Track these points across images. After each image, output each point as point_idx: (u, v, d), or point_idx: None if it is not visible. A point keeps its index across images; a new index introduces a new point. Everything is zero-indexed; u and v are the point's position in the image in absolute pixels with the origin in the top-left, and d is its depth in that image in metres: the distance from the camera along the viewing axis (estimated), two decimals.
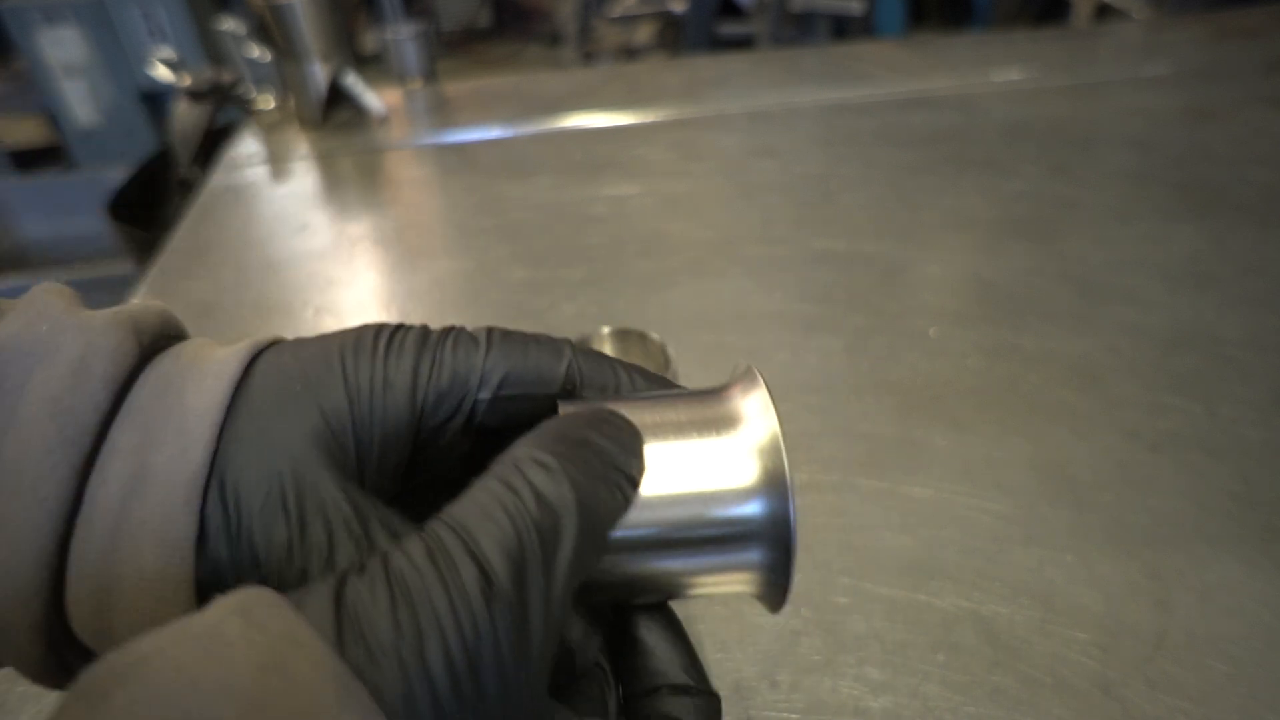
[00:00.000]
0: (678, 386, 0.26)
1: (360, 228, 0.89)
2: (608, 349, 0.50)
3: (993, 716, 0.37)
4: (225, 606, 0.15)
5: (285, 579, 0.20)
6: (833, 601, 0.43)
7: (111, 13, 2.41)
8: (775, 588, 0.24)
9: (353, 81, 1.14)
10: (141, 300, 0.25)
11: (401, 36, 1.28)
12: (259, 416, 0.22)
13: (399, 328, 0.25)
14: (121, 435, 0.21)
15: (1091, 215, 0.80)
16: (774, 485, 0.22)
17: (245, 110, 1.24)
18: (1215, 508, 0.47)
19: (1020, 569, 0.44)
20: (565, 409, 0.23)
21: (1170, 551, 0.44)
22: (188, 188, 1.20)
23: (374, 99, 1.15)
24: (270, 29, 1.08)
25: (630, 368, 0.26)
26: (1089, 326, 0.63)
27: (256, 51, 1.27)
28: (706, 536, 0.22)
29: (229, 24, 1.28)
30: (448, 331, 0.25)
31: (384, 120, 1.16)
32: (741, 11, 2.80)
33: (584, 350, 0.25)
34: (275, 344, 0.24)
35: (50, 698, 0.40)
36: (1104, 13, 2.35)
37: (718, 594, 0.25)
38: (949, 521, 0.47)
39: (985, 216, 0.81)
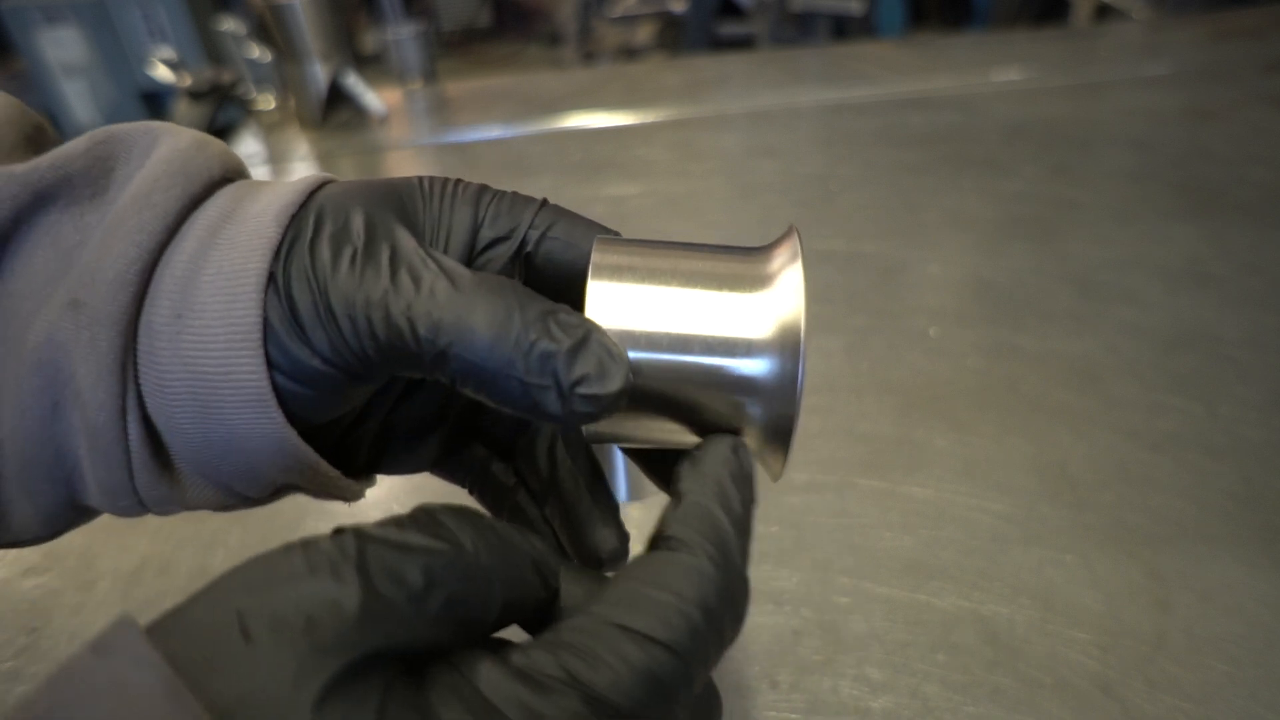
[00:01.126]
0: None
1: None
2: None
3: (993, 716, 0.37)
4: (89, 644, 0.17)
5: (338, 285, 0.22)
6: (833, 601, 0.43)
7: (111, 13, 2.41)
8: (777, 445, 0.24)
9: (353, 81, 1.14)
10: None
11: (401, 36, 1.28)
12: (337, 194, 0.25)
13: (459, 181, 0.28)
14: (225, 193, 0.25)
15: (1091, 215, 0.80)
16: (787, 343, 0.23)
17: (245, 110, 1.24)
18: (1215, 508, 0.47)
19: (1020, 569, 0.44)
20: (603, 249, 0.24)
21: (1170, 551, 0.44)
22: None
23: (374, 99, 1.15)
24: (270, 29, 1.08)
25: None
26: (1089, 326, 0.63)
27: (256, 51, 1.27)
28: (716, 379, 0.23)
29: (229, 24, 1.28)
30: (509, 194, 0.27)
31: (384, 120, 1.16)
32: (741, 11, 2.80)
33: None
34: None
35: None
36: (1104, 13, 2.36)
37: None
38: (949, 521, 0.47)
39: (985, 216, 0.81)
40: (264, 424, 0.23)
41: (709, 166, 0.97)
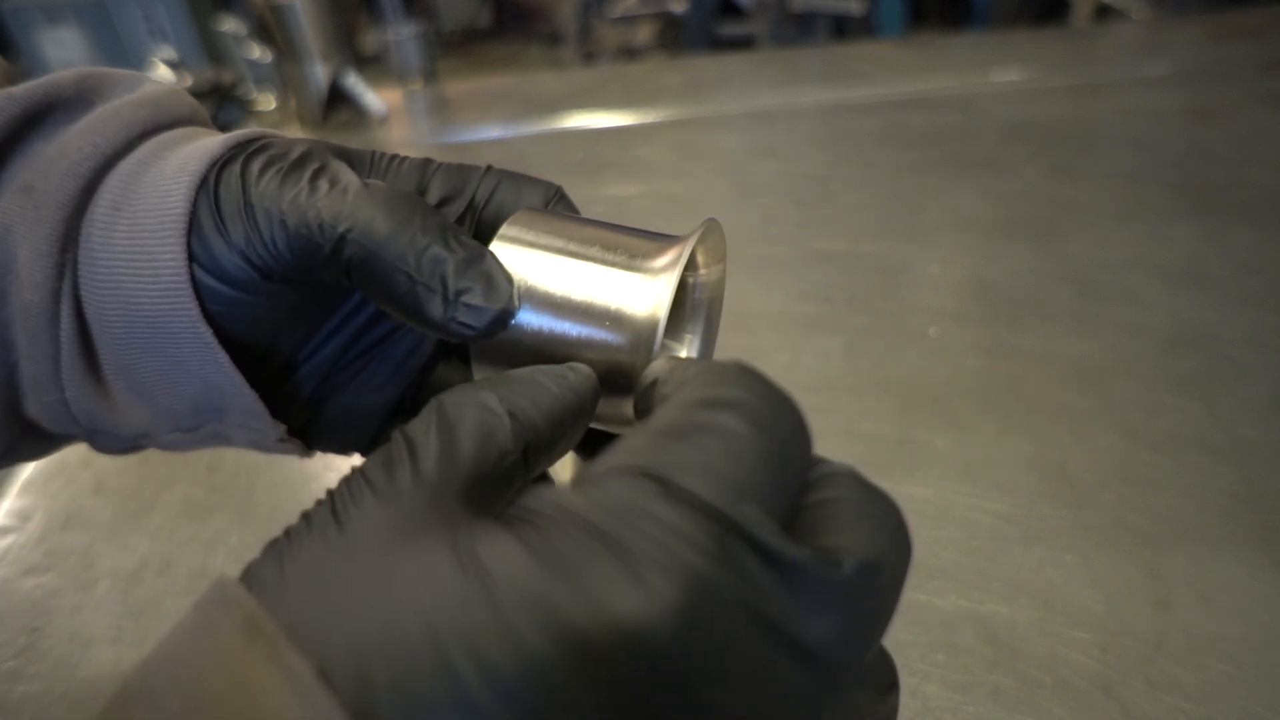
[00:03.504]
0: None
1: None
2: None
3: (993, 716, 0.37)
4: (200, 609, 0.16)
5: (261, 187, 0.24)
6: None
7: (112, 13, 2.41)
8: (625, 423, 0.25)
9: (353, 81, 1.14)
10: None
11: (401, 36, 1.28)
12: (278, 140, 0.26)
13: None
14: (183, 130, 0.27)
15: (1091, 215, 0.80)
16: (643, 328, 0.23)
17: (245, 110, 1.24)
18: (1215, 508, 0.47)
19: (1020, 569, 0.44)
20: (518, 218, 0.26)
21: (1170, 551, 0.44)
22: None
23: (374, 99, 1.15)
24: (270, 29, 1.08)
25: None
26: (1089, 326, 0.63)
27: (256, 51, 1.27)
28: (584, 344, 0.24)
29: (229, 24, 1.28)
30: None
31: (384, 120, 1.16)
32: (741, 11, 2.80)
33: (565, 198, 0.29)
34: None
35: (50, 697, 0.40)
36: (1104, 13, 2.36)
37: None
38: (949, 521, 0.47)
39: (985, 216, 0.81)
40: (180, 316, 0.24)
41: (709, 166, 0.97)
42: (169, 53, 1.31)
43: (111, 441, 0.28)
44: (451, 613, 0.15)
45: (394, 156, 0.28)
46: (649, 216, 0.84)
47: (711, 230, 0.26)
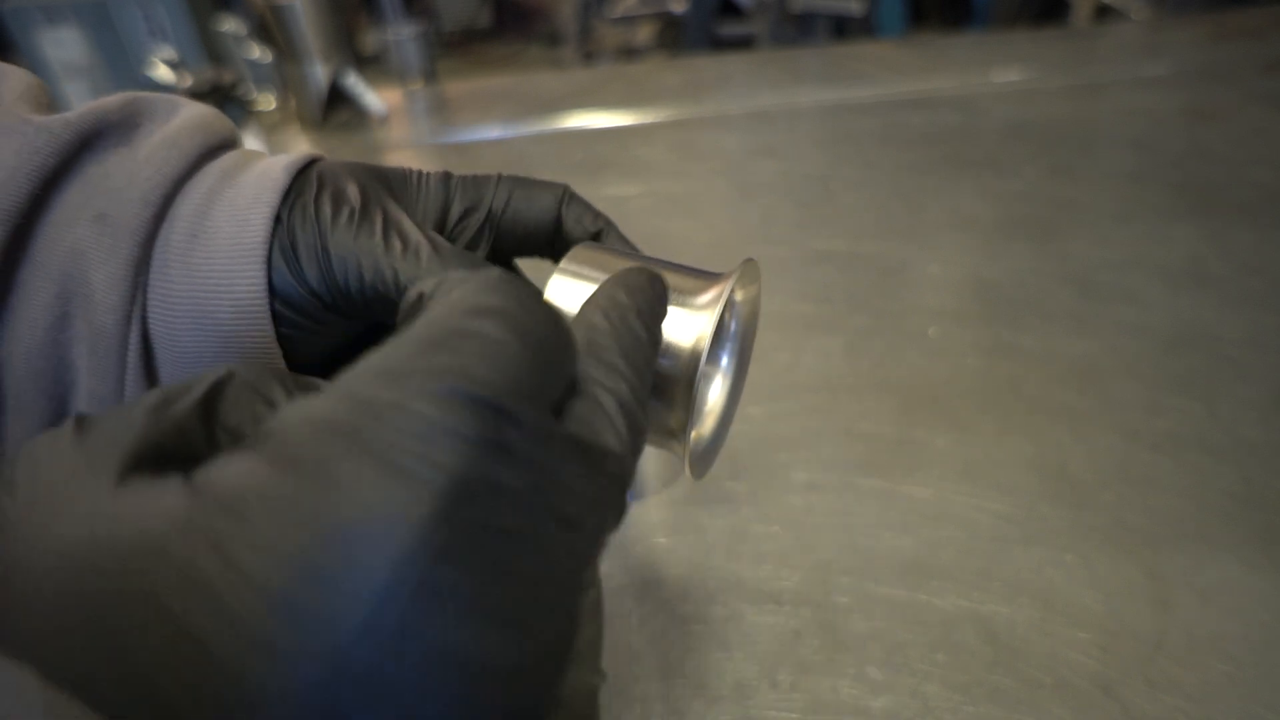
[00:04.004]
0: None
1: None
2: None
3: (993, 716, 0.37)
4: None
5: (337, 233, 0.27)
6: (833, 601, 0.43)
7: (112, 13, 2.41)
8: (674, 443, 0.28)
9: (353, 82, 1.14)
10: None
11: (401, 36, 1.28)
12: (339, 164, 0.30)
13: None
14: (232, 154, 0.29)
15: (1091, 215, 0.80)
16: (687, 361, 0.26)
17: (246, 110, 1.24)
18: (1215, 508, 0.47)
19: (1020, 569, 0.44)
20: (581, 251, 0.29)
21: (1170, 551, 0.44)
22: None
23: (374, 99, 1.15)
24: (270, 29, 1.08)
25: (608, 222, 0.34)
26: (1089, 326, 0.63)
27: (256, 51, 1.27)
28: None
29: (229, 24, 1.28)
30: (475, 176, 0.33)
31: (384, 120, 1.16)
32: (741, 11, 2.80)
33: (575, 197, 0.33)
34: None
35: None
36: (1104, 13, 2.35)
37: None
38: (949, 521, 0.47)
39: (985, 216, 0.81)
40: (255, 333, 0.26)
41: (709, 166, 0.97)
42: (169, 53, 1.31)
43: None
44: (182, 538, 0.13)
45: (420, 174, 0.32)
46: (649, 216, 0.84)
47: (749, 269, 0.29)
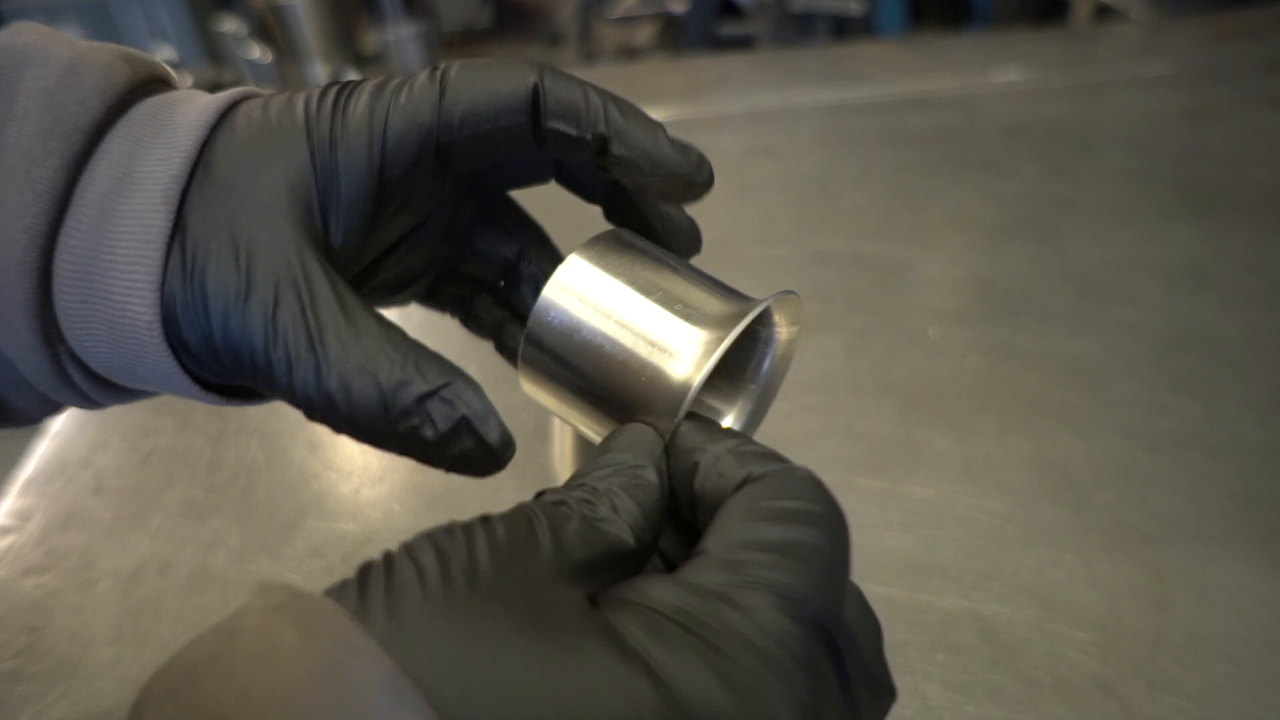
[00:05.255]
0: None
1: None
2: None
3: (993, 716, 0.37)
4: (276, 611, 0.15)
5: (229, 328, 0.22)
6: None
7: (112, 13, 2.41)
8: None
9: None
10: None
11: (402, 37, 1.28)
12: (231, 159, 0.23)
13: (360, 81, 0.25)
14: (113, 144, 0.23)
15: (1091, 215, 0.80)
16: (677, 388, 0.23)
17: None
18: (1215, 508, 0.47)
19: (1020, 569, 0.44)
20: (607, 235, 0.26)
21: (1170, 551, 0.44)
22: None
23: None
24: (270, 29, 1.09)
25: (604, 95, 0.25)
26: (1089, 326, 0.63)
27: (256, 51, 1.27)
28: (626, 381, 0.24)
29: (229, 24, 1.28)
30: (407, 78, 0.25)
31: None
32: (741, 11, 2.80)
33: (552, 71, 0.25)
34: (256, 96, 0.26)
35: (50, 697, 0.40)
36: (1104, 13, 2.36)
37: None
38: (949, 521, 0.47)
39: (985, 216, 0.81)
40: (155, 356, 0.23)
41: None
42: (169, 53, 1.31)
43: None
44: None
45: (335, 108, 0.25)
46: None
47: (789, 299, 0.26)
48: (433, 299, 0.32)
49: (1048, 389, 0.57)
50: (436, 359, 0.23)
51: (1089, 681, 0.38)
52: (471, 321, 0.32)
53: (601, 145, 0.24)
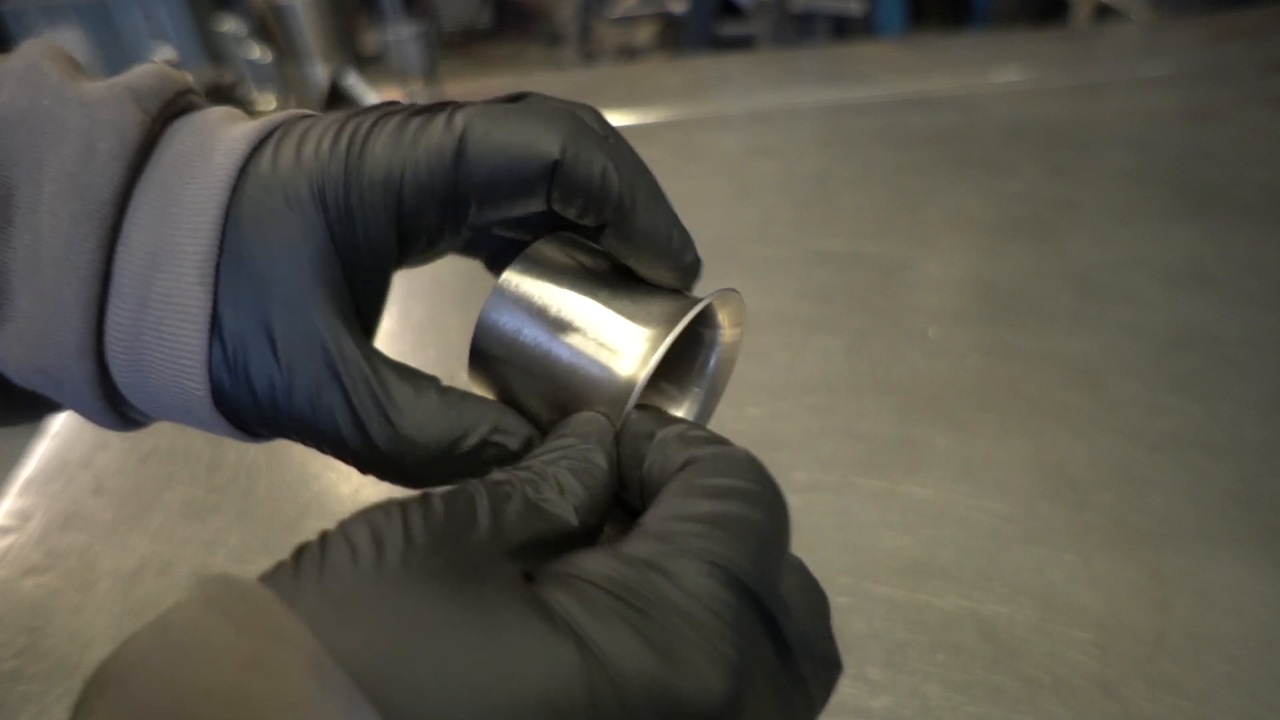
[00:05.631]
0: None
1: None
2: None
3: (993, 716, 0.37)
4: (208, 604, 0.15)
5: (278, 411, 0.23)
6: (833, 601, 0.43)
7: (112, 13, 2.41)
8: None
9: (353, 82, 1.14)
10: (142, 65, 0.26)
11: (402, 37, 1.28)
12: (252, 238, 0.23)
13: (368, 126, 0.24)
14: (141, 210, 0.23)
15: (1091, 215, 0.80)
16: (621, 386, 0.24)
17: (246, 111, 1.24)
18: (1215, 508, 0.47)
19: (1020, 569, 0.44)
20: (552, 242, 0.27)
21: (1170, 551, 0.44)
22: None
23: (375, 99, 1.15)
24: (270, 29, 1.09)
25: (625, 175, 0.24)
26: (1089, 326, 0.63)
27: (256, 51, 1.27)
28: (568, 374, 0.25)
29: (229, 24, 1.28)
30: (420, 126, 0.24)
31: None
32: (741, 11, 2.80)
33: (578, 137, 0.24)
34: (286, 123, 0.25)
35: (50, 697, 0.40)
36: (1104, 13, 2.36)
37: None
38: (949, 521, 0.47)
39: (985, 216, 0.81)
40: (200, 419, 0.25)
41: (709, 167, 0.97)
42: (169, 53, 1.31)
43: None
44: (578, 701, 0.16)
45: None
46: None
47: (729, 298, 0.26)
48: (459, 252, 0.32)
49: (1048, 389, 0.57)
50: (474, 403, 0.25)
51: (1089, 681, 0.38)
52: (495, 266, 0.32)
53: (600, 227, 0.25)
